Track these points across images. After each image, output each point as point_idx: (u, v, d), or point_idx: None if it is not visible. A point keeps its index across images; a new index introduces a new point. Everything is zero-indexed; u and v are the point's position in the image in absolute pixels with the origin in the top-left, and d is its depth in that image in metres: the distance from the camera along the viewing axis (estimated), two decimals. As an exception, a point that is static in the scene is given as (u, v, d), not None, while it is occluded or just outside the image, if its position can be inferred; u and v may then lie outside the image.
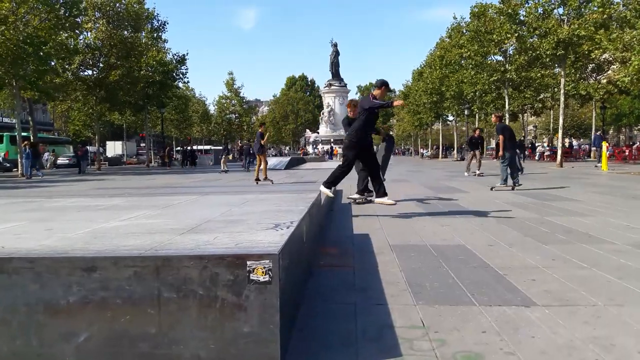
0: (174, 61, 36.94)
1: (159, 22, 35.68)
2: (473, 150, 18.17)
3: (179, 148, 44.97)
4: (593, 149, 20.29)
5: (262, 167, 14.45)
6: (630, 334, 2.55)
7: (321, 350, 2.42)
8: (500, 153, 11.16)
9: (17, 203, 5.33)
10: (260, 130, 15.14)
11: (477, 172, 17.08)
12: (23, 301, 2.17)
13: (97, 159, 33.75)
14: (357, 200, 8.76)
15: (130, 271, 2.15)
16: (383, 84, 6.86)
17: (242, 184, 14.55)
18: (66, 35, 25.66)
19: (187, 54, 37.46)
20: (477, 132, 19.63)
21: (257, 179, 14.30)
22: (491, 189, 10.98)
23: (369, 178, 7.48)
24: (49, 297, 2.16)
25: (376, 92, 6.84)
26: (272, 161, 31.01)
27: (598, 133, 24.40)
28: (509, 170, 10.98)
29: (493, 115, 12.81)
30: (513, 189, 10.80)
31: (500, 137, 11.24)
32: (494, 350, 2.36)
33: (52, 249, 2.40)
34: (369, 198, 8.73)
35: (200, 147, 59.00)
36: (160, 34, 36.14)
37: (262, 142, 14.61)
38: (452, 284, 3.50)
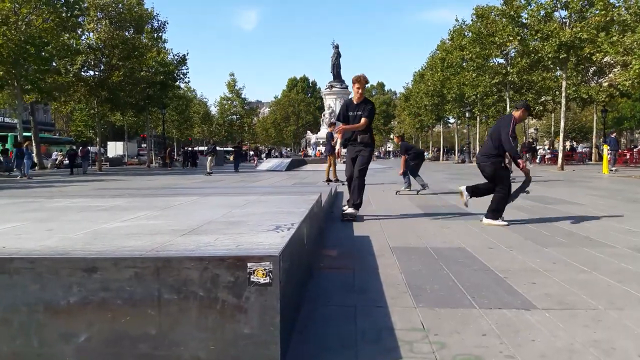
0: (175, 62, 37.03)
1: (159, 23, 35.77)
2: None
3: (188, 148, 44.86)
4: (607, 151, 20.09)
5: (331, 167, 14.50)
6: (630, 337, 2.55)
7: (321, 352, 2.42)
8: (401, 172, 11.85)
9: (18, 203, 5.34)
10: (330, 130, 14.81)
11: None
12: (23, 301, 2.17)
13: (98, 160, 33.78)
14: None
15: (130, 272, 2.15)
16: (524, 106, 6.46)
17: (243, 185, 14.55)
18: (68, 35, 25.71)
19: (188, 54, 37.56)
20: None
21: (329, 180, 14.16)
22: (396, 193, 11.49)
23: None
24: (50, 297, 2.16)
25: (516, 113, 6.40)
26: (272, 162, 31.11)
27: (613, 135, 24.08)
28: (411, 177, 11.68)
29: (395, 137, 13.21)
30: (418, 192, 11.21)
31: (403, 157, 11.93)
32: (493, 354, 2.36)
33: (52, 250, 2.41)
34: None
35: (203, 148, 58.92)
36: (160, 34, 36.22)
37: (333, 143, 14.05)
38: (452, 286, 3.50)
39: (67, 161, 36.66)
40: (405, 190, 11.56)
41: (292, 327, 2.67)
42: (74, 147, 28.20)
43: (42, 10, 23.45)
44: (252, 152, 59.82)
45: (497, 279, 3.68)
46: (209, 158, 24.85)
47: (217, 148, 54.45)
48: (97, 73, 31.76)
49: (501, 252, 4.65)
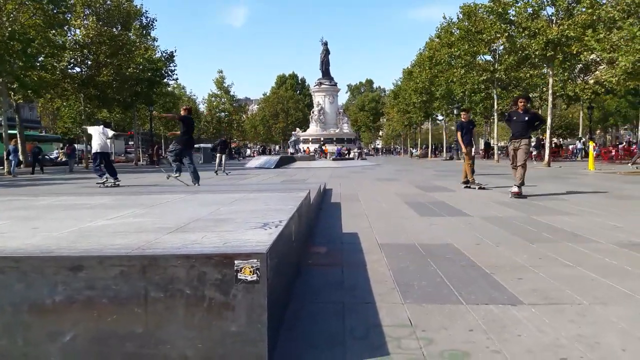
0: (163, 59, 36.77)
1: (148, 20, 35.49)
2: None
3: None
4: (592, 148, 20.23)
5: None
6: (614, 332, 2.58)
7: (309, 349, 2.42)
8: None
9: (2, 202, 5.27)
10: (463, 117, 11.99)
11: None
12: (8, 301, 2.15)
13: (85, 157, 33.43)
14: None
15: (116, 270, 2.13)
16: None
17: (232, 183, 14.50)
18: (54, 32, 25.39)
19: (176, 51, 37.31)
20: None
21: (467, 182, 11.40)
22: (167, 177, 12.00)
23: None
24: (35, 296, 2.14)
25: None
26: (261, 160, 31.04)
27: None
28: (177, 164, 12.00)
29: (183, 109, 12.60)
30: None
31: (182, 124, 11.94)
32: (480, 349, 2.38)
33: (37, 248, 2.38)
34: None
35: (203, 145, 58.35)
36: (149, 31, 35.94)
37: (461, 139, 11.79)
38: (440, 282, 3.52)
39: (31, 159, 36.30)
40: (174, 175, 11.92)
41: (280, 324, 2.67)
42: (39, 145, 27.22)
43: (27, 6, 23.13)
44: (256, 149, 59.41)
45: (484, 275, 3.70)
46: (219, 155, 20.94)
47: (203, 145, 54.15)
48: (84, 70, 31.42)
49: (488, 248, 4.68)
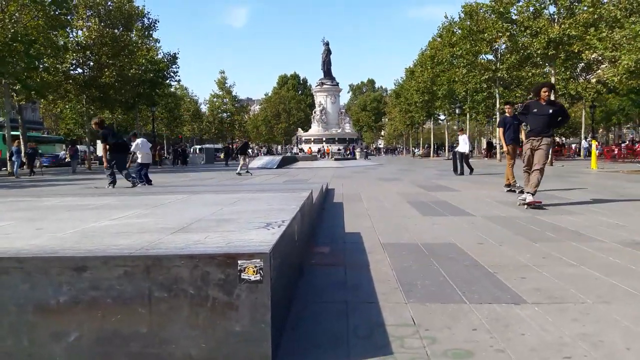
0: (166, 60, 36.82)
1: (150, 21, 35.52)
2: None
3: (179, 148, 44.33)
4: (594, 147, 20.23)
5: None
6: (618, 330, 2.58)
7: (312, 348, 2.43)
8: (106, 163, 11.95)
9: (6, 202, 5.29)
10: (507, 111, 10.94)
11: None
12: (13, 301, 2.16)
13: (88, 158, 33.51)
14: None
15: (120, 271, 2.14)
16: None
17: (234, 183, 14.51)
18: (55, 33, 25.44)
19: (178, 52, 37.37)
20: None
21: (509, 185, 10.40)
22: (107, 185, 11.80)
23: None
24: (39, 297, 2.15)
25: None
26: (263, 160, 31.07)
27: None
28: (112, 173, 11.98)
29: (93, 124, 12.60)
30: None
31: (104, 145, 12.04)
32: (484, 348, 2.38)
33: (41, 249, 2.39)
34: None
35: (215, 146, 58.35)
36: (151, 32, 35.97)
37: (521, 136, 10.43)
38: (443, 282, 3.52)
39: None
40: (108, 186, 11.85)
41: (284, 324, 2.67)
42: (34, 147, 26.67)
43: (29, 8, 23.18)
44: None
45: (487, 274, 3.70)
46: (242, 156, 21.07)
47: (208, 146, 54.04)
48: (86, 71, 31.47)
49: (491, 248, 4.68)
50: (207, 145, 56.07)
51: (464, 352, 2.34)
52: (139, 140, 14.50)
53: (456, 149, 17.85)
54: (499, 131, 10.62)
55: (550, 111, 7.60)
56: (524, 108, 8.13)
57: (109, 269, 2.14)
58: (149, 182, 14.05)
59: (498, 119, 11.00)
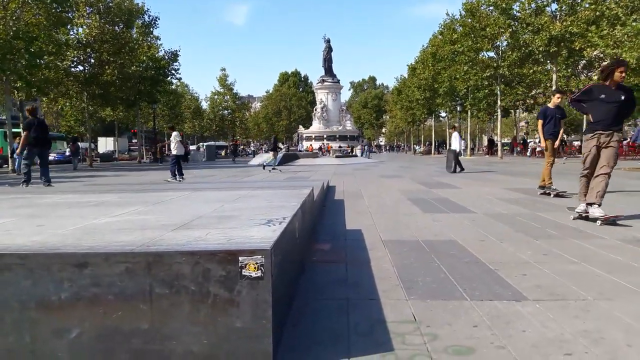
0: (167, 57, 36.78)
1: (150, 18, 35.46)
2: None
3: (200, 144, 44.12)
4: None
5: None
6: (619, 327, 2.58)
7: (314, 345, 2.43)
8: (18, 150, 11.83)
9: (8, 199, 5.29)
10: (554, 101, 9.35)
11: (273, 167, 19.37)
12: (15, 298, 2.16)
13: (89, 155, 33.51)
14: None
15: (121, 267, 2.14)
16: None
17: (235, 180, 14.52)
18: (56, 30, 25.41)
19: (180, 50, 37.34)
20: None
21: (543, 187, 9.19)
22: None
23: None
24: (41, 293, 2.16)
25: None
26: (264, 157, 31.06)
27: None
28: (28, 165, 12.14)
29: (26, 110, 12.53)
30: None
31: (24, 133, 11.80)
32: (485, 345, 2.38)
33: (43, 245, 2.39)
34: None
35: (219, 144, 58.33)
36: (151, 29, 35.92)
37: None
38: (444, 279, 3.53)
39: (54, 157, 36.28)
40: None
41: (285, 320, 2.67)
42: (71, 142, 26.54)
43: (30, 5, 23.17)
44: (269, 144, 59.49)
45: (488, 271, 3.70)
46: (273, 153, 21.75)
47: (210, 143, 53.98)
48: (87, 68, 31.46)
49: (492, 245, 4.68)
50: (209, 143, 56.08)
51: (465, 348, 2.34)
52: (175, 133, 15.37)
53: (450, 147, 17.73)
54: (538, 124, 9.23)
55: (623, 97, 5.88)
56: (585, 93, 6.24)
57: (110, 266, 2.15)
58: (181, 175, 14.78)
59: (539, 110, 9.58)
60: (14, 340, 2.17)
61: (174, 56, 37.10)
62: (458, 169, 16.76)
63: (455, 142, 17.22)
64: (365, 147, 45.14)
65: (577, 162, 22.97)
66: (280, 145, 27.71)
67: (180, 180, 14.08)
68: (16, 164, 22.49)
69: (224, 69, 70.07)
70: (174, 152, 15.10)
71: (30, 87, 25.53)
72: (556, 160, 9.68)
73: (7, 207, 4.46)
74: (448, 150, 18.06)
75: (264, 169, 19.96)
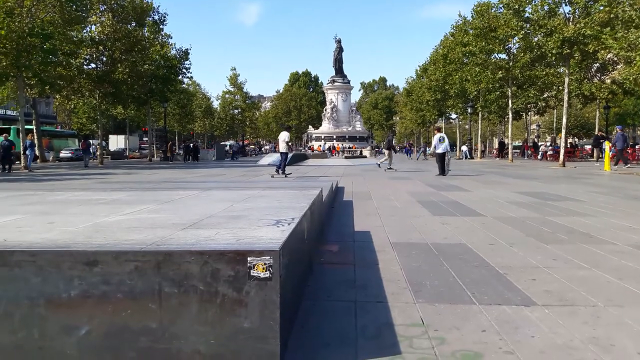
0: (178, 56, 36.93)
1: (159, 15, 35.51)
2: None
3: (190, 144, 44.23)
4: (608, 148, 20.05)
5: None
6: (629, 334, 2.55)
7: (321, 347, 2.43)
8: None
9: (19, 196, 5.35)
10: None
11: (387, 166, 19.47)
12: (25, 294, 2.18)
13: (100, 153, 33.76)
14: None
15: (131, 266, 2.15)
16: None
17: (244, 180, 14.56)
18: (70, 28, 25.62)
19: (191, 48, 37.48)
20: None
21: None
22: None
23: None
24: (51, 290, 2.17)
25: None
26: (274, 157, 31.10)
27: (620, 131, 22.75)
28: None
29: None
30: None
31: None
32: (493, 350, 2.36)
33: (54, 243, 2.41)
34: None
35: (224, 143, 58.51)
36: (161, 27, 35.98)
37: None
38: (453, 282, 3.51)
39: (70, 154, 36.70)
40: None
41: (292, 321, 2.67)
42: (10, 139, 23.70)
43: (44, 3, 23.39)
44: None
45: (497, 275, 3.68)
46: (387, 152, 21.69)
47: (227, 143, 54.03)
48: (99, 66, 31.67)
49: (502, 249, 4.65)
50: (230, 142, 56.34)
51: (473, 353, 2.33)
52: (286, 133, 16.81)
53: (439, 150, 16.40)
54: None
55: None
56: None
57: (120, 264, 2.16)
58: (283, 171, 16.04)
59: None
60: (22, 337, 2.19)
61: (185, 54, 37.24)
62: (445, 172, 15.94)
63: (441, 145, 16.27)
64: (375, 150, 43.79)
65: (588, 166, 22.76)
66: (502, 142, 26.26)
67: (285, 175, 15.42)
68: (28, 160, 22.72)
69: (234, 69, 70.27)
70: (282, 150, 16.56)
71: (43, 84, 25.75)
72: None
73: (19, 204, 4.51)
74: (434, 154, 17.02)
75: (379, 167, 20.55)
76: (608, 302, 3.06)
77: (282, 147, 16.77)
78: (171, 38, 37.61)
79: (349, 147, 51.19)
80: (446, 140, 16.67)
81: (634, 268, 3.90)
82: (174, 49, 37.21)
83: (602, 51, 21.64)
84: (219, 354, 2.13)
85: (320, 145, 53.95)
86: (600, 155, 23.87)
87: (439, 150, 16.34)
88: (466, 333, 2.57)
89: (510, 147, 33.30)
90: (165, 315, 2.15)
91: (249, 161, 35.92)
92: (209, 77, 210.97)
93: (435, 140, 16.82)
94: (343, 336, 2.55)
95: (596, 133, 32.72)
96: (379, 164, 20.66)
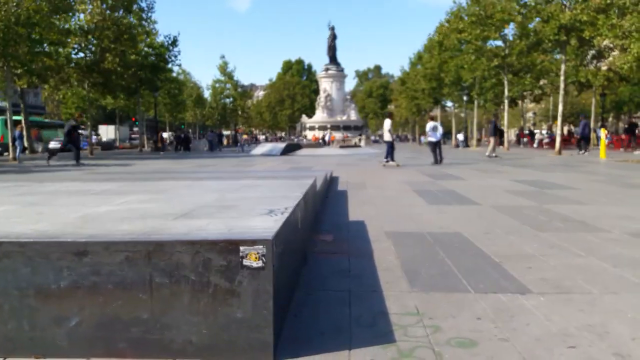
0: (166, 43, 36.47)
1: (147, 2, 34.95)
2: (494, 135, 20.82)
3: (181, 134, 43.90)
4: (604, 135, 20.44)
5: None
6: (624, 321, 2.55)
7: (315, 336, 2.41)
8: None
9: (8, 187, 5.28)
10: None
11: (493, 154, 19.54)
12: (14, 285, 2.15)
13: (90, 144, 33.48)
14: None
15: (122, 256, 2.12)
16: None
17: (238, 170, 14.50)
18: (57, 16, 25.26)
19: (179, 35, 36.99)
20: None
21: None
22: None
23: None
24: (40, 281, 2.14)
25: None
26: (267, 147, 31.01)
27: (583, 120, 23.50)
28: None
29: None
30: None
31: None
32: (488, 337, 2.35)
33: (43, 233, 2.37)
34: None
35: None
36: (149, 14, 35.44)
37: None
38: (448, 271, 3.49)
39: (59, 145, 36.33)
40: None
41: (286, 311, 2.65)
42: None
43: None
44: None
45: (492, 264, 3.67)
46: (493, 139, 21.44)
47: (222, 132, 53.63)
48: (88, 56, 31.27)
49: (497, 237, 4.64)
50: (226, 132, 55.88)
51: (468, 341, 2.31)
52: (389, 121, 16.73)
53: (431, 139, 16.64)
54: None
55: None
56: None
57: (110, 254, 2.12)
58: (392, 159, 16.03)
59: None
60: (13, 328, 2.16)
61: (173, 42, 36.74)
62: (438, 159, 16.01)
63: (433, 133, 16.39)
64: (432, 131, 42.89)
65: (584, 154, 22.83)
66: (501, 129, 25.74)
67: (398, 165, 15.36)
68: (17, 152, 22.54)
69: (223, 57, 69.37)
70: (387, 139, 16.50)
71: (31, 74, 25.45)
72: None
73: (7, 194, 4.45)
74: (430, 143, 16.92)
75: (489, 157, 19.73)
76: (604, 289, 3.06)
77: (387, 136, 16.61)
78: (156, 23, 37.01)
79: (347, 136, 50.98)
80: (439, 128, 16.71)
81: (629, 256, 3.90)
82: (162, 36, 36.68)
83: (598, 37, 21.59)
84: (211, 344, 2.11)
85: (314, 135, 53.80)
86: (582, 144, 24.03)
87: (432, 139, 16.35)
88: (461, 321, 2.56)
89: (506, 135, 33.29)
90: (156, 306, 2.12)
91: (240, 152, 35.79)
92: (200, 65, 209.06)
93: (428, 128, 16.80)
94: (337, 325, 2.53)
95: (592, 121, 32.74)
96: (489, 156, 19.87)
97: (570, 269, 3.49)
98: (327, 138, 49.23)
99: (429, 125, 16.77)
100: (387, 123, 16.73)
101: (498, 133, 22.97)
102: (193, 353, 2.12)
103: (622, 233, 4.76)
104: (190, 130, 65.48)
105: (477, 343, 2.29)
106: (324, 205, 6.78)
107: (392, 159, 15.87)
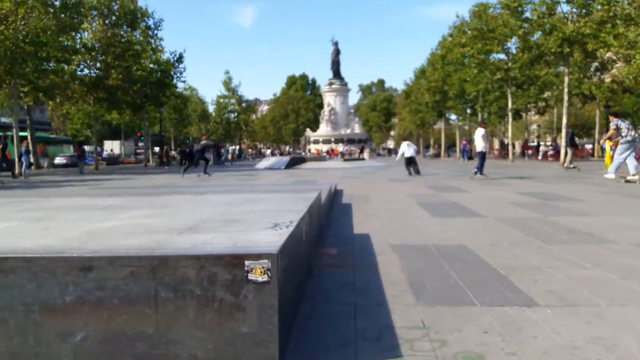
0: (172, 60, 36.82)
1: (155, 21, 35.37)
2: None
3: (186, 148, 44.06)
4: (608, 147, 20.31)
5: None
6: (632, 334, 2.52)
7: (321, 350, 2.39)
8: None
9: (14, 202, 5.31)
10: None
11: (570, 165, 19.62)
12: (20, 301, 2.15)
13: (95, 159, 33.68)
14: None
15: (126, 271, 2.12)
16: None
17: (242, 184, 14.53)
18: (64, 36, 25.59)
19: (185, 51, 37.37)
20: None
21: None
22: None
23: None
24: (46, 296, 2.14)
25: None
26: (271, 160, 31.09)
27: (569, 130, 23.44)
28: None
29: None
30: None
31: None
32: (495, 351, 2.33)
33: (48, 249, 2.38)
34: None
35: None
36: (156, 32, 35.85)
37: None
38: (454, 284, 3.47)
39: (65, 161, 36.55)
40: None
41: (291, 325, 2.64)
42: (77, 146, 26.74)
43: (38, 10, 23.34)
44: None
45: (498, 276, 3.65)
46: (570, 150, 21.37)
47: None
48: (93, 72, 31.56)
49: (503, 250, 4.61)
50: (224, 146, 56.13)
51: (475, 355, 2.29)
52: (483, 131, 15.96)
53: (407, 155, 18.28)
54: None
55: None
56: None
57: (115, 269, 2.13)
58: (417, 172, 17.57)
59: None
60: (18, 343, 2.16)
61: (179, 58, 37.09)
62: (413, 172, 17.63)
63: (409, 149, 18.16)
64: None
65: (589, 166, 22.74)
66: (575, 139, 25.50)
67: (484, 177, 14.80)
68: (23, 167, 22.69)
69: (227, 72, 69.90)
70: (480, 149, 15.42)
71: (37, 91, 25.73)
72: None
73: (13, 210, 4.47)
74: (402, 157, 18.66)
75: (566, 169, 19.76)
76: (611, 301, 3.03)
77: (480, 146, 15.20)
78: (162, 40, 37.49)
79: (351, 149, 51.04)
80: (413, 145, 18.90)
81: (637, 267, 3.87)
82: (167, 52, 37.12)
83: (601, 50, 21.66)
84: (217, 359, 2.10)
85: (317, 148, 53.87)
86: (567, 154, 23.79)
87: (407, 155, 18.18)
88: (468, 335, 2.54)
89: (510, 147, 33.26)
90: (161, 321, 2.11)
91: (245, 165, 35.85)
92: (204, 80, 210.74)
93: (404, 146, 18.70)
94: (343, 339, 2.51)
95: (596, 133, 32.60)
96: (567, 167, 19.82)
97: (577, 281, 3.47)
98: (342, 149, 49.66)
99: (404, 144, 18.80)
100: (481, 131, 15.45)
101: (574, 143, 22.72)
102: (198, 368, 2.10)
103: (629, 244, 4.73)
104: (194, 145, 65.71)
105: (484, 357, 2.27)
106: (328, 218, 6.77)
107: (481, 172, 14.87)
